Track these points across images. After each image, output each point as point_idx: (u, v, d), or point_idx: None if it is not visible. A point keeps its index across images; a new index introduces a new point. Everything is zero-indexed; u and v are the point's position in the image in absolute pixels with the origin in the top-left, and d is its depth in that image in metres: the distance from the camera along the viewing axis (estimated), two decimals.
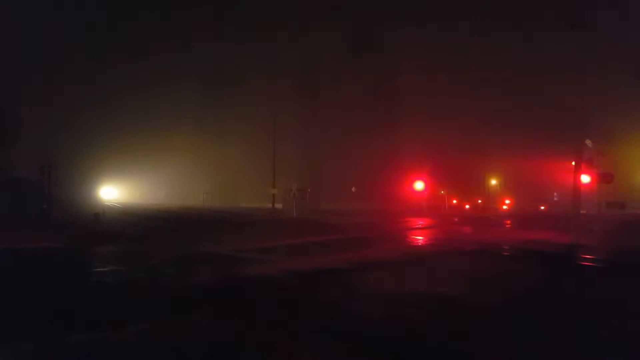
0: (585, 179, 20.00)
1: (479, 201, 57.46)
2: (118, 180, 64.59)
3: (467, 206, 55.08)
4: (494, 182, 60.92)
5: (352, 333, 6.43)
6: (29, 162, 30.98)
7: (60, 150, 36.71)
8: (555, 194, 54.30)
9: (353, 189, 53.23)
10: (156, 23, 62.98)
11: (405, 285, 9.63)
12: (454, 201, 55.52)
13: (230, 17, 67.65)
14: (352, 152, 60.94)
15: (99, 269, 11.52)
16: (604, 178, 22.61)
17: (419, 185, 44.39)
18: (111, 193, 65.72)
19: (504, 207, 54.61)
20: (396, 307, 7.80)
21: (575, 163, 18.38)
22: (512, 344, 6.12)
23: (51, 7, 44.59)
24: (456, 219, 35.78)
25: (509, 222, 33.24)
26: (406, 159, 54.65)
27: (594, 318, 7.46)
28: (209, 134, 69.88)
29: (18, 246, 14.67)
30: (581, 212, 18.99)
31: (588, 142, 23.87)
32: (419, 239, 21.12)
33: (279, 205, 38.96)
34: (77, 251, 14.62)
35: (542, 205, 51.67)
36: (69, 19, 46.86)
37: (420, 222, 31.86)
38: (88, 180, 40.71)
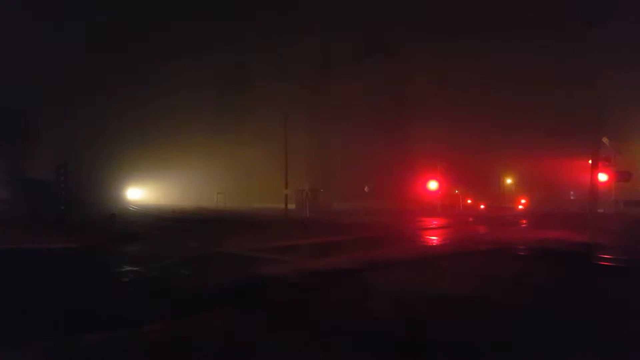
0: (602, 177, 19.69)
1: (494, 200, 56.93)
2: (140, 181, 65.51)
3: (482, 206, 54.54)
4: (509, 181, 60.23)
5: (366, 333, 6.40)
6: (48, 164, 31.49)
7: (79, 152, 37.28)
8: (571, 192, 53.47)
9: (366, 189, 53.02)
10: (171, 25, 63.47)
11: (420, 285, 9.56)
12: (469, 201, 55.00)
13: (239, 19, 67.83)
14: (365, 151, 60.72)
15: (113, 269, 11.64)
16: (622, 176, 22.22)
17: (432, 185, 44.10)
18: (136, 194, 67.05)
19: (520, 206, 53.96)
20: (410, 307, 7.75)
21: (592, 161, 18.10)
22: (530, 345, 6.03)
23: (69, 8, 45.27)
24: (471, 219, 35.46)
25: (524, 221, 32.83)
26: (420, 158, 54.29)
27: (614, 318, 7.32)
28: (222, 134, 70.26)
29: (34, 246, 14.90)
30: (598, 210, 18.71)
31: (605, 139, 23.47)
32: (434, 239, 20.96)
33: (291, 206, 38.99)
34: (92, 251, 14.80)
35: (557, 205, 50.91)
36: (88, 20, 47.53)
37: (435, 222, 31.64)
38: (105, 182, 41.25)
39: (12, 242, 15.33)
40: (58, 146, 38.66)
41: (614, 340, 6.24)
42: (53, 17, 43.34)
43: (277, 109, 47.34)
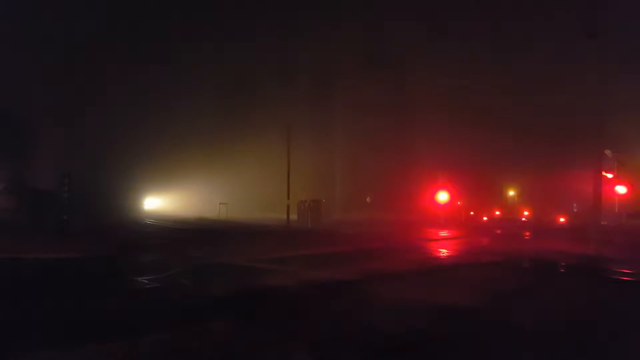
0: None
1: (497, 212, 56.75)
2: (150, 191, 65.76)
3: (485, 217, 54.38)
4: (512, 193, 60.11)
5: (367, 345, 6.36)
6: (51, 173, 31.60)
7: (83, 162, 37.43)
8: (574, 204, 53.30)
9: (368, 199, 52.98)
10: (171, 35, 64.00)
11: (423, 298, 9.50)
12: (472, 212, 54.87)
13: (239, 29, 68.25)
14: (368, 162, 60.78)
15: (114, 280, 11.62)
16: (625, 188, 22.17)
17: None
18: (151, 204, 67.63)
19: (523, 218, 53.80)
20: (412, 319, 7.69)
21: (595, 174, 18.09)
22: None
23: (74, 16, 45.75)
24: (474, 230, 35.33)
25: (528, 233, 32.71)
26: (422, 169, 54.27)
27: (619, 331, 7.26)
28: (225, 145, 70.44)
29: (34, 256, 14.88)
30: (602, 223, 18.64)
31: (608, 152, 23.47)
32: (436, 250, 20.89)
33: (293, 216, 38.95)
34: (93, 262, 14.77)
35: (562, 217, 50.60)
36: (91, 27, 48.00)
37: (437, 233, 31.54)
38: (111, 192, 41.35)
39: (12, 251, 15.32)
40: (62, 156, 38.84)
41: (618, 354, 6.18)
42: (56, 19, 43.81)
43: (280, 119, 47.54)
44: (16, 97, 39.03)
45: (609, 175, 26.84)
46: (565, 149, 50.81)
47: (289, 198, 38.16)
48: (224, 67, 70.04)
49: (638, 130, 44.80)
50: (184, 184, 69.11)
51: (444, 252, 20.11)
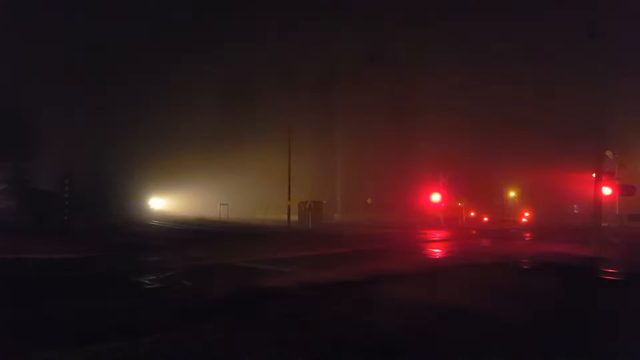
0: (606, 191, 19.62)
1: (498, 213, 56.70)
2: (152, 192, 65.97)
3: (485, 219, 54.34)
4: (512, 194, 60.07)
5: (366, 346, 6.36)
6: (53, 174, 31.64)
7: (84, 163, 37.49)
8: (575, 206, 53.29)
9: (369, 201, 52.99)
10: (172, 38, 64.07)
11: (422, 299, 9.49)
12: (472, 213, 54.83)
13: (243, 30, 68.34)
14: (368, 163, 60.78)
15: (114, 280, 11.61)
16: (626, 190, 22.17)
17: (435, 197, 44.02)
18: (156, 204, 67.95)
19: (523, 219, 53.77)
20: (412, 320, 7.69)
21: (596, 175, 18.06)
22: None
23: (75, 16, 45.85)
24: (474, 232, 35.30)
25: (528, 234, 32.67)
26: (423, 170, 54.21)
27: (616, 333, 7.25)
28: (226, 146, 70.44)
29: (34, 256, 14.89)
30: (602, 224, 18.61)
31: (609, 153, 23.44)
32: (437, 251, 20.88)
33: (294, 217, 38.94)
34: (93, 262, 14.77)
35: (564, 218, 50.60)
36: (91, 31, 48.10)
37: (438, 234, 31.52)
38: (113, 192, 41.38)
39: (13, 251, 15.33)
40: (62, 156, 38.88)
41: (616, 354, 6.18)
42: (57, 19, 43.91)
43: (281, 121, 47.56)
44: (16, 97, 39.07)
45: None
46: (566, 149, 50.78)
47: (289, 199, 38.14)
48: (225, 68, 70.16)
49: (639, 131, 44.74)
50: (186, 185, 69.14)
51: (444, 253, 20.10)
